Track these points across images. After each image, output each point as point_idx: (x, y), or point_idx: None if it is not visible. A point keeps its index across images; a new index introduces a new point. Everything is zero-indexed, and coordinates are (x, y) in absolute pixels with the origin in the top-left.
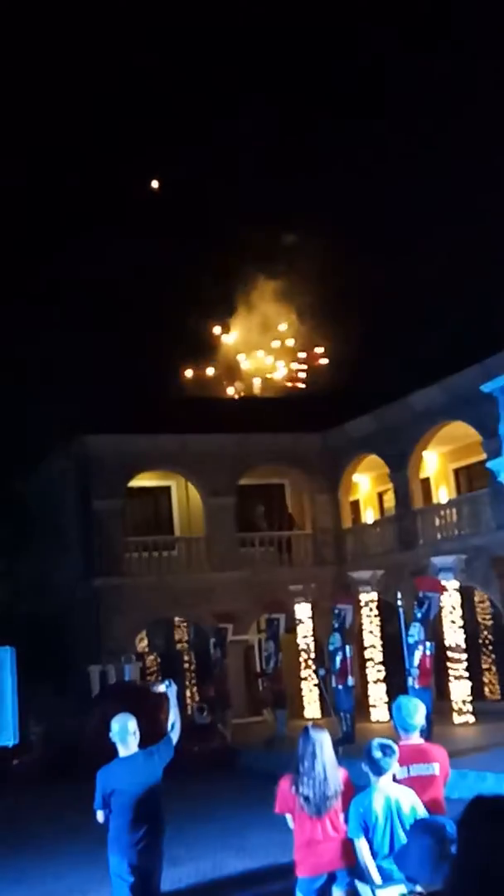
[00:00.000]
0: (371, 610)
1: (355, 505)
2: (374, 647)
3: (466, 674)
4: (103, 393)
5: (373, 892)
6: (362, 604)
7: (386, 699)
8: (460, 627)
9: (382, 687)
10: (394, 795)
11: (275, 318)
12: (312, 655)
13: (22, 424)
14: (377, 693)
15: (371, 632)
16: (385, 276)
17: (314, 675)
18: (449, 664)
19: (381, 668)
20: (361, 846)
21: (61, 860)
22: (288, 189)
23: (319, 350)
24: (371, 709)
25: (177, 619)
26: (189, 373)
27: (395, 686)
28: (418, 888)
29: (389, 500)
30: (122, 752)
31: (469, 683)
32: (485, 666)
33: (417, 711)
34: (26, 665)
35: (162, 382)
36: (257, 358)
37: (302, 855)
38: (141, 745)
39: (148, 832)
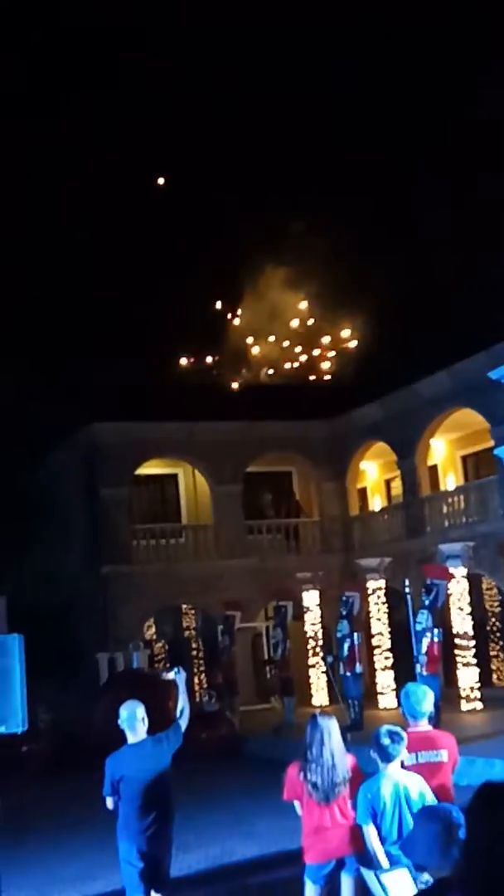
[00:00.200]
0: (379, 597)
1: (363, 492)
2: (381, 634)
3: (474, 661)
4: (110, 380)
5: (377, 876)
6: (370, 591)
7: (394, 686)
8: (468, 615)
9: (390, 674)
10: (402, 782)
11: (282, 305)
12: (320, 643)
13: (28, 413)
14: (385, 680)
15: (379, 619)
16: (392, 263)
17: (322, 663)
18: (457, 651)
19: (389, 655)
20: (370, 832)
21: (70, 846)
22: (296, 177)
23: (346, 334)
24: (379, 696)
25: (184, 606)
26: (196, 360)
27: (403, 673)
28: (425, 876)
29: (397, 488)
30: (131, 738)
31: (477, 670)
32: (492, 653)
33: (426, 698)
34: (34, 653)
35: (169, 370)
36: (265, 345)
37: (310, 841)
38: (149, 731)
39: (157, 819)
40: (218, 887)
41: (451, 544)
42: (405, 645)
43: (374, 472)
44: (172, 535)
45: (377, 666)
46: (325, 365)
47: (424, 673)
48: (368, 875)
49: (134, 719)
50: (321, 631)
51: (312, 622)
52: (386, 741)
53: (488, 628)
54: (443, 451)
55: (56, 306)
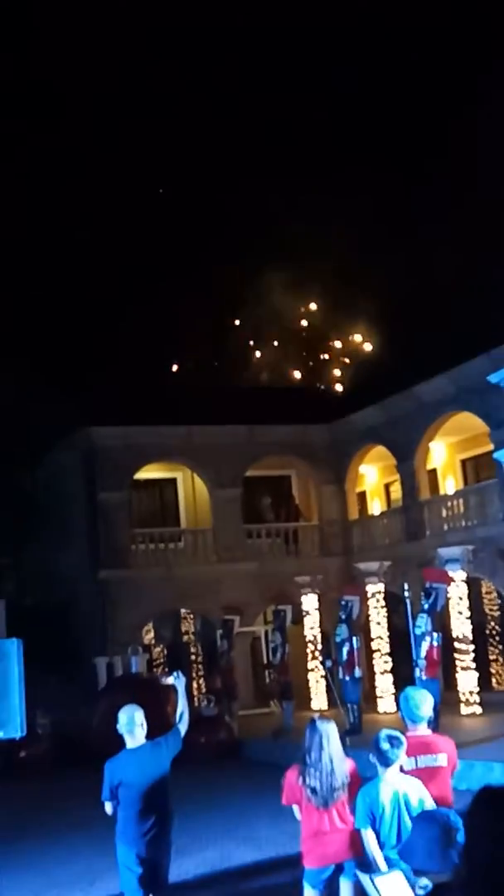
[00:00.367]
0: (378, 601)
1: (362, 496)
2: (380, 638)
3: (473, 665)
4: (109, 384)
5: (371, 880)
6: (369, 595)
7: (393, 690)
8: (467, 618)
9: (389, 678)
10: (401, 786)
11: (282, 309)
12: (319, 647)
13: (28, 416)
14: (384, 684)
15: (378, 623)
16: (392, 266)
17: (321, 667)
18: (456, 655)
19: (388, 659)
20: (368, 837)
21: (68, 850)
22: (296, 179)
23: (346, 338)
24: (378, 700)
25: (183, 610)
26: (195, 364)
27: (402, 677)
28: (423, 881)
29: (396, 491)
30: (130, 743)
31: (476, 674)
32: (492, 657)
33: (425, 702)
34: (33, 657)
35: (167, 373)
36: (265, 348)
37: (309, 846)
38: (148, 736)
39: (156, 823)
40: (217, 892)
41: (450, 548)
42: (404, 649)
43: (373, 476)
44: (171, 539)
45: (376, 670)
46: (325, 368)
47: (424, 677)
48: (364, 878)
49: (133, 724)
50: (320, 635)
51: (311, 626)
52: (385, 745)
53: (487, 632)
54: (442, 454)
55: (57, 309)
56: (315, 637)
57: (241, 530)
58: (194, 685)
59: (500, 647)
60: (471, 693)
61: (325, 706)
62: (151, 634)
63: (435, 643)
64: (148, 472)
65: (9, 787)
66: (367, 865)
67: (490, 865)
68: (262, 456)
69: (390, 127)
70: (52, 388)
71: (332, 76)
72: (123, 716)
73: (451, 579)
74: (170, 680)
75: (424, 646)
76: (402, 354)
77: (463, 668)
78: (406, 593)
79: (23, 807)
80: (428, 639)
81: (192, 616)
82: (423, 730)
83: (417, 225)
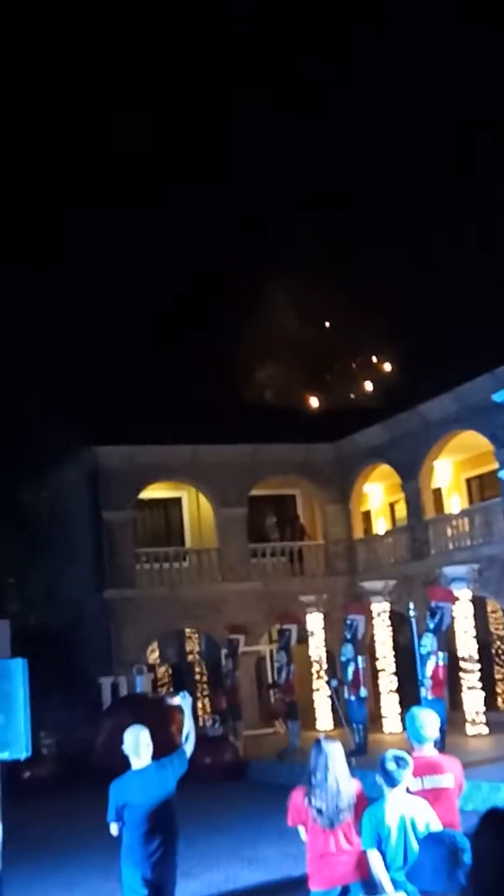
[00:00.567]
0: (383, 620)
1: (367, 515)
2: (386, 657)
3: (479, 684)
4: (114, 403)
5: None
6: (374, 614)
7: (398, 710)
8: (473, 638)
9: (395, 698)
10: (407, 808)
11: (287, 328)
12: (324, 666)
13: (32, 436)
14: (389, 704)
15: (383, 642)
16: (397, 285)
17: (326, 687)
18: (461, 675)
19: (394, 679)
20: (374, 858)
21: (73, 872)
22: (298, 197)
23: (350, 356)
24: (383, 720)
25: (188, 630)
26: (200, 383)
27: (408, 697)
28: None
29: (401, 510)
30: (136, 764)
31: (482, 694)
32: (497, 676)
33: (431, 723)
34: (37, 677)
35: (173, 392)
36: (269, 367)
37: (315, 868)
38: (153, 757)
39: (161, 845)
40: None
41: (455, 567)
42: (410, 668)
43: (378, 495)
44: (176, 559)
45: (382, 690)
46: (330, 387)
47: (429, 697)
48: None
49: (139, 745)
50: (325, 654)
51: (316, 646)
52: (391, 766)
53: (493, 651)
54: (447, 473)
55: (61, 329)
56: (320, 657)
57: (246, 550)
58: (199, 705)
59: None
60: (477, 713)
61: (330, 726)
62: (156, 654)
63: (440, 663)
64: (153, 492)
65: (13, 807)
66: (374, 887)
67: (497, 888)
68: (266, 475)
69: (391, 147)
70: (57, 407)
71: (335, 92)
72: (129, 736)
73: (457, 598)
74: (176, 700)
75: (430, 665)
76: (406, 373)
77: (469, 688)
78: (411, 612)
79: (27, 828)
80: (433, 658)
81: (196, 636)
82: (429, 750)
83: (422, 244)
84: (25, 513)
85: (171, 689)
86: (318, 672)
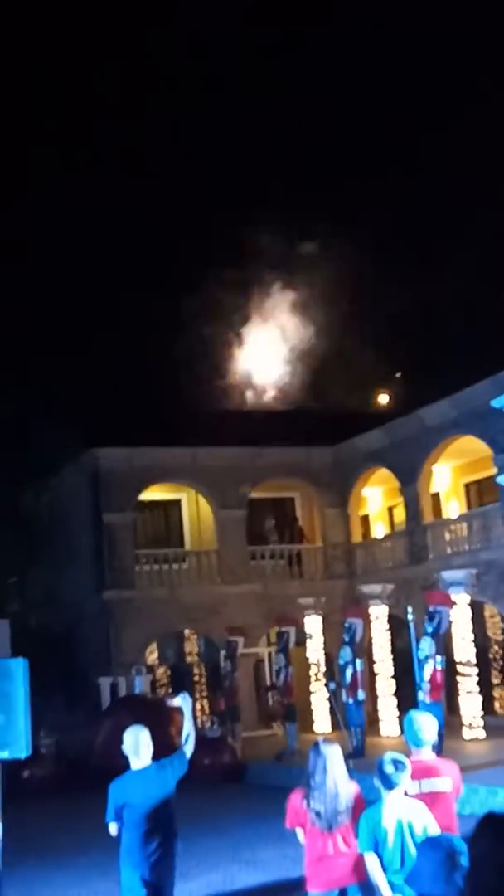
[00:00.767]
0: (381, 624)
1: (365, 519)
2: (384, 661)
3: (477, 689)
4: (113, 405)
5: None
6: (372, 618)
7: (396, 714)
8: (470, 642)
9: (393, 701)
10: (404, 811)
11: (286, 330)
12: (323, 669)
13: (32, 438)
14: (387, 707)
15: (381, 646)
16: (397, 290)
17: (324, 689)
18: (459, 679)
19: (392, 682)
20: (371, 861)
21: (71, 873)
22: (305, 200)
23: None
24: (381, 723)
25: (187, 631)
26: (198, 385)
27: (406, 701)
28: None
29: (400, 515)
30: (135, 764)
31: (479, 698)
32: (495, 681)
33: (429, 726)
34: (37, 677)
35: (172, 395)
36: (269, 370)
37: (313, 870)
38: (152, 757)
39: (160, 846)
40: None
41: (453, 571)
42: (408, 672)
43: (377, 499)
44: (175, 561)
45: (379, 693)
46: (329, 391)
47: (427, 700)
48: None
49: (138, 745)
50: (323, 657)
51: (315, 648)
52: (389, 769)
53: (491, 656)
54: (446, 478)
55: (60, 330)
56: (318, 659)
57: (245, 552)
58: (197, 706)
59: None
60: (474, 717)
61: (328, 729)
62: (155, 655)
63: (438, 667)
64: (152, 494)
65: (12, 807)
66: (371, 890)
67: (495, 891)
68: (266, 478)
69: (398, 153)
70: (57, 408)
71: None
72: (129, 737)
73: (455, 603)
74: (176, 701)
75: (428, 669)
76: (406, 378)
77: (466, 692)
78: (409, 616)
79: (26, 828)
80: (431, 662)
81: (195, 637)
82: (426, 754)
83: (422, 248)
84: (26, 514)
85: (170, 691)
86: (316, 675)
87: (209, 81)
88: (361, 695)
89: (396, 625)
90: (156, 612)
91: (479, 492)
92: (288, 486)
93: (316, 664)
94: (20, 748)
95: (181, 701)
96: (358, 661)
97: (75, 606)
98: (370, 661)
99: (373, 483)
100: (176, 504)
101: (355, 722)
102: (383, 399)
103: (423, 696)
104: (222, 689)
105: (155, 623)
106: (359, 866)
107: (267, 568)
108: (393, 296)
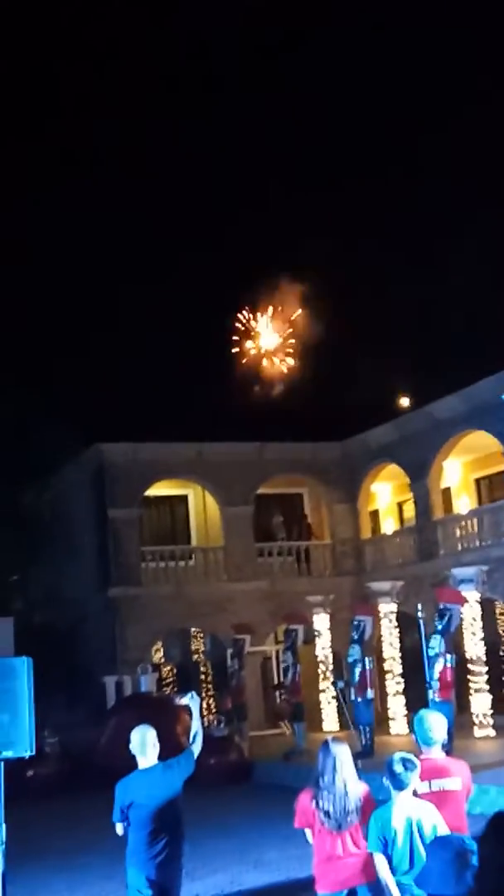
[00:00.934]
0: (391, 621)
1: (375, 515)
2: (393, 659)
3: (487, 687)
4: (118, 401)
5: None
6: (382, 615)
7: (405, 712)
8: (481, 639)
9: (402, 700)
10: (414, 810)
11: (294, 325)
12: (331, 667)
13: (37, 433)
14: (397, 706)
15: (391, 643)
16: (406, 285)
17: (333, 688)
18: (469, 677)
19: (401, 680)
20: (380, 861)
21: (77, 872)
22: (313, 196)
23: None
24: (390, 722)
25: (193, 629)
26: (205, 379)
27: (415, 699)
28: None
29: (409, 510)
30: (142, 764)
31: (490, 696)
32: None
33: (439, 725)
34: (42, 675)
35: (178, 389)
36: (276, 365)
37: (322, 870)
38: (158, 757)
39: (167, 846)
40: None
41: (464, 568)
42: (417, 670)
43: (386, 495)
44: (182, 558)
45: (389, 691)
46: (337, 385)
47: (437, 699)
48: None
49: (145, 744)
50: (332, 655)
51: (323, 646)
52: (399, 769)
53: (501, 653)
54: (456, 473)
55: (65, 325)
56: (327, 657)
57: (253, 549)
58: (204, 705)
59: None
60: (484, 715)
61: (336, 728)
62: (161, 653)
63: (448, 665)
64: (159, 489)
65: (17, 806)
66: (380, 891)
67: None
68: (273, 474)
69: (404, 149)
70: (61, 404)
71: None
72: (136, 736)
73: (465, 600)
74: (184, 700)
75: (438, 667)
76: (415, 373)
77: (476, 691)
78: (419, 614)
79: (31, 827)
80: (441, 660)
81: (202, 635)
82: (436, 753)
83: (430, 244)
84: (30, 510)
85: (176, 689)
86: (324, 673)
87: (209, 81)
88: (370, 693)
89: (406, 622)
90: (161, 610)
91: (489, 487)
92: (296, 482)
93: (324, 662)
94: (24, 747)
95: (189, 700)
96: (367, 659)
97: (80, 604)
98: (379, 659)
99: (382, 478)
100: (182, 500)
101: (364, 721)
102: (392, 394)
103: (433, 694)
104: (229, 687)
105: (161, 621)
106: (368, 867)
107: (274, 565)
108: (404, 290)
